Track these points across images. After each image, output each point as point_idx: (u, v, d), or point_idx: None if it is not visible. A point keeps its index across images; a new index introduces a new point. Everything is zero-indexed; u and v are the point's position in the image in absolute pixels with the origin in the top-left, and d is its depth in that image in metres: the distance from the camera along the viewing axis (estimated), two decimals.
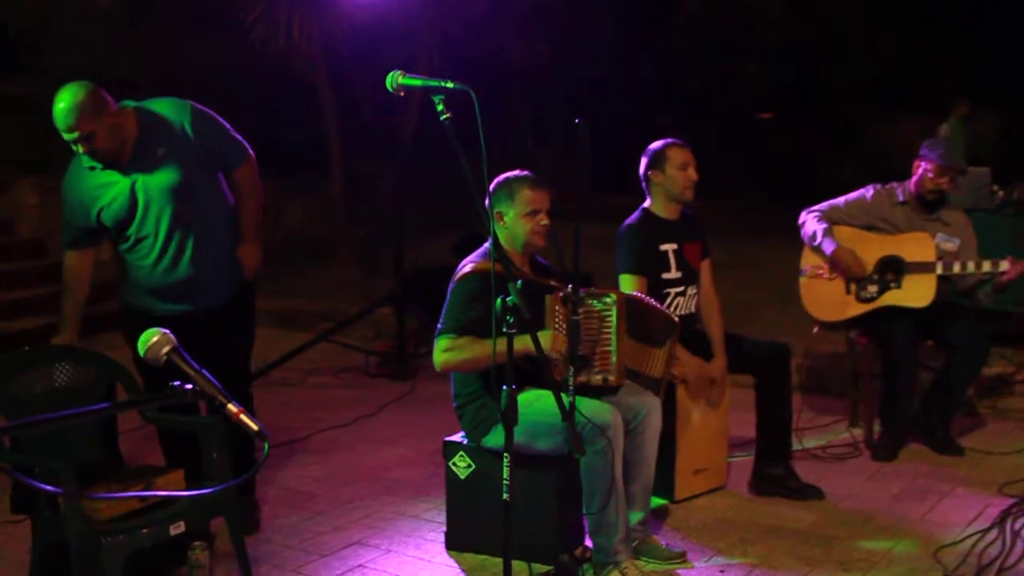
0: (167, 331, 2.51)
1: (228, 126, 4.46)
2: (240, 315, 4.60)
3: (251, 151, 4.53)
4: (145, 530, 3.47)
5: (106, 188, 4.22)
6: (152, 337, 2.49)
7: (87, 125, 4.02)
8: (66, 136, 4.06)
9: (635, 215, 5.07)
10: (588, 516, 4.13)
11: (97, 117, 4.04)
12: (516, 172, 4.33)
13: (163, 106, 4.32)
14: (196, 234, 4.33)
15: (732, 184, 14.53)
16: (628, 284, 4.84)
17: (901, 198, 5.65)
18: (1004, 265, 5.39)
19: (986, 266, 5.42)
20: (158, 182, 4.22)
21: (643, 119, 15.94)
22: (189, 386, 2.40)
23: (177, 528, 3.56)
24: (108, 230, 4.32)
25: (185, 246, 4.31)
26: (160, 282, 4.34)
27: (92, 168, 4.21)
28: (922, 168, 5.60)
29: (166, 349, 2.48)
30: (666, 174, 4.97)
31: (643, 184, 5.07)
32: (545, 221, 4.25)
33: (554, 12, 14.18)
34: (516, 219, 4.24)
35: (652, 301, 4.53)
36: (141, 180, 4.21)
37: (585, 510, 4.15)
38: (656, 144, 5.05)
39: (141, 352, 2.50)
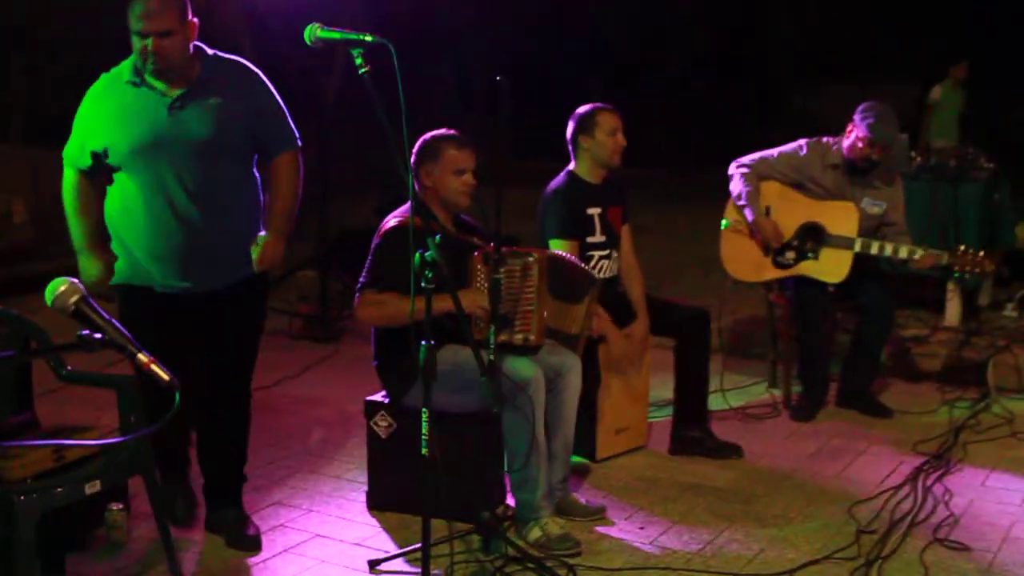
0: (75, 280, 2.46)
1: (286, 111, 4.12)
2: (248, 304, 4.16)
3: (300, 145, 4.20)
4: (59, 489, 3.40)
5: (135, 111, 3.81)
6: (60, 286, 2.43)
7: (168, 21, 3.66)
8: (140, 27, 3.65)
9: (560, 179, 5.06)
10: (510, 474, 4.15)
11: (180, 18, 3.72)
12: (441, 131, 4.33)
13: (231, 61, 4.00)
14: (206, 202, 3.89)
15: (659, 150, 14.60)
16: (558, 248, 4.76)
17: (835, 160, 5.65)
18: (919, 253, 5.42)
19: (903, 252, 5.43)
20: (193, 130, 3.82)
21: (569, 84, 15.92)
22: (99, 336, 2.36)
23: (92, 487, 3.48)
24: (110, 166, 3.90)
25: (188, 208, 3.87)
26: (154, 243, 3.91)
27: (135, 83, 3.81)
28: (853, 135, 5.57)
29: (74, 298, 2.42)
30: (595, 139, 4.97)
31: (570, 147, 5.06)
32: (471, 181, 4.25)
33: None
34: (441, 178, 4.23)
35: (573, 259, 4.53)
36: (176, 120, 3.81)
37: (507, 468, 4.16)
38: (585, 108, 5.03)
39: (48, 301, 2.45)
